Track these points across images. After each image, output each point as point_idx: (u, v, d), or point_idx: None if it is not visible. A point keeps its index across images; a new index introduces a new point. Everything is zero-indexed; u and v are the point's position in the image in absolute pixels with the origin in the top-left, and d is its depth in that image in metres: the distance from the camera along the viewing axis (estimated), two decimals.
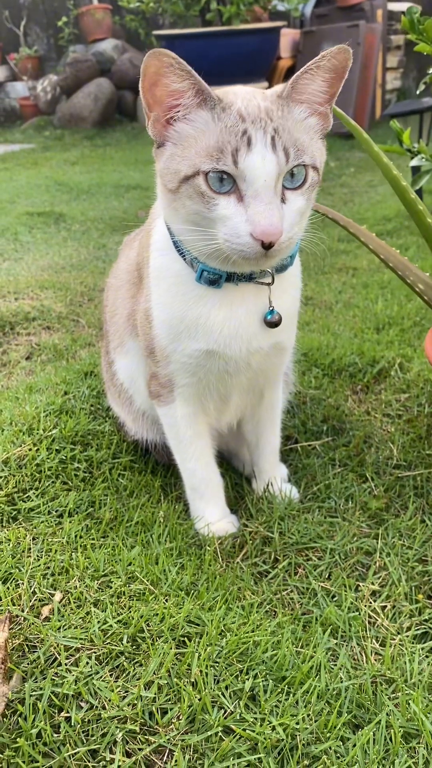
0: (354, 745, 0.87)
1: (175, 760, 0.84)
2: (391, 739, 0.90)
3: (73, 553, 1.19)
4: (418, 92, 2.43)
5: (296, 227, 1.04)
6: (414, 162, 1.99)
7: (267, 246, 0.98)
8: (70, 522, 1.28)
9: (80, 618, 1.04)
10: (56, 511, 1.32)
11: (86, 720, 0.88)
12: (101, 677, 0.94)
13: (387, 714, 0.93)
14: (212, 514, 1.36)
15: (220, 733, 0.86)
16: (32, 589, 1.10)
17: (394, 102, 7.05)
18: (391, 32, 6.64)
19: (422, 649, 1.08)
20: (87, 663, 0.96)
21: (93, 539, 1.25)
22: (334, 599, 1.17)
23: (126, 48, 7.68)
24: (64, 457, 1.44)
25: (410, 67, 7.17)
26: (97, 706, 0.90)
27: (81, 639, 1.00)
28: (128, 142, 6.85)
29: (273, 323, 1.17)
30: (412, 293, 2.19)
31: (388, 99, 6.99)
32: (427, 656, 1.08)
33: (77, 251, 3.41)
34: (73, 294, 2.73)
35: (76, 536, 1.25)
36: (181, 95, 1.00)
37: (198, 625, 1.04)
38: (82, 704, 0.91)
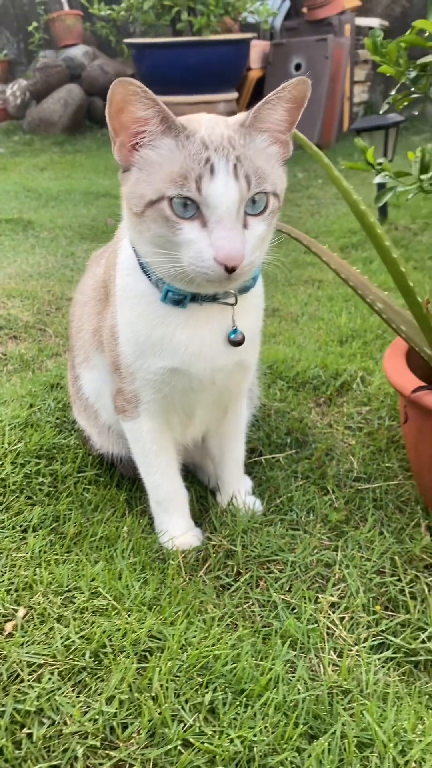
0: (309, 756, 0.90)
1: None
2: (345, 749, 0.93)
3: (36, 569, 1.20)
4: (381, 112, 2.50)
5: (258, 251, 1.07)
6: (378, 179, 2.05)
7: (230, 270, 1.01)
8: (34, 537, 1.29)
9: (43, 634, 1.05)
10: (20, 526, 1.32)
11: (48, 736, 0.90)
12: (63, 693, 0.95)
13: (342, 724, 0.96)
14: (176, 527, 1.38)
15: (179, 747, 0.88)
16: None
17: (362, 115, 7.18)
18: (358, 47, 6.76)
19: (378, 659, 1.12)
20: (49, 679, 0.97)
21: (57, 554, 1.26)
22: (294, 611, 1.20)
23: (97, 54, 7.67)
24: (28, 472, 1.45)
25: (377, 81, 7.31)
26: (58, 722, 0.91)
27: (44, 655, 1.01)
28: (98, 148, 6.84)
29: (237, 342, 1.20)
30: None
31: (355, 112, 7.11)
32: (382, 666, 1.11)
33: (45, 259, 3.40)
34: (41, 303, 2.73)
35: (40, 551, 1.25)
36: (146, 122, 1.03)
37: (160, 639, 1.06)
38: (44, 720, 0.92)
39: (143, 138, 1.04)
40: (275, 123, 1.07)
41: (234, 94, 5.80)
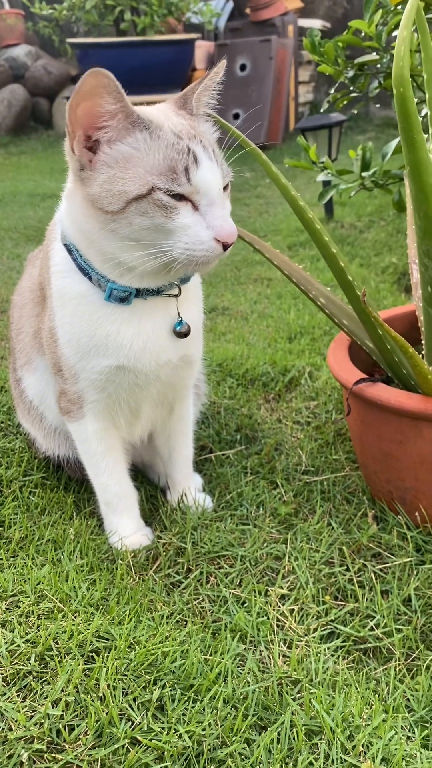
0: (258, 746, 0.91)
1: None
2: (295, 738, 0.94)
3: None
4: (322, 110, 2.53)
5: None
6: (321, 177, 2.08)
7: (226, 247, 1.05)
8: None
9: None
10: None
11: None
12: (8, 698, 0.93)
13: (292, 713, 0.97)
14: (126, 527, 1.37)
15: (127, 745, 0.88)
16: None
17: (307, 115, 7.26)
18: (301, 47, 6.84)
19: (328, 648, 1.13)
20: None
21: (1, 559, 1.24)
22: (244, 605, 1.20)
23: (40, 54, 7.56)
24: None
25: (321, 82, 7.41)
26: (3, 728, 0.89)
27: None
28: (44, 150, 6.75)
29: (183, 333, 1.21)
30: None
31: (301, 112, 7.19)
32: (332, 655, 1.12)
33: None
34: None
35: None
36: (113, 116, 1.02)
37: (107, 639, 1.05)
38: None
39: (107, 132, 1.03)
40: (207, 107, 1.12)
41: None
